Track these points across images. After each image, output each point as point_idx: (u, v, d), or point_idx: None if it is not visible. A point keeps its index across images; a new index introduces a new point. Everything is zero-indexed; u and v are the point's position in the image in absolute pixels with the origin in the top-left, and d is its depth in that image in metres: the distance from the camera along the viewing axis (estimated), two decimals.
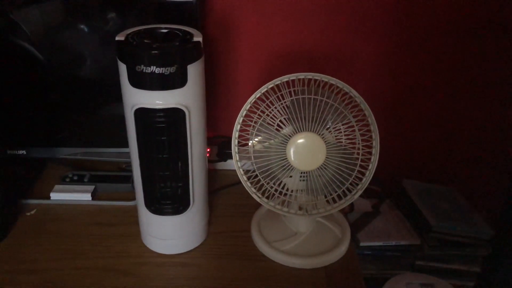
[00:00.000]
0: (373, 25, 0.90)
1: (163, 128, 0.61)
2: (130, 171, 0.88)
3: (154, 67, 0.55)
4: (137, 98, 0.58)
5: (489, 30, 0.90)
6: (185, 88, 0.59)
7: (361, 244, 0.84)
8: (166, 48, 0.56)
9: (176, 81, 0.58)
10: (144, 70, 0.55)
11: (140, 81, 0.57)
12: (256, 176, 0.69)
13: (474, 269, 0.88)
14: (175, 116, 0.60)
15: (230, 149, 0.93)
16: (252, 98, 0.66)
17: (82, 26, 0.80)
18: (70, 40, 0.80)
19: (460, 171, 1.05)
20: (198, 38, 0.59)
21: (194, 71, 0.59)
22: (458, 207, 0.91)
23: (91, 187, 0.84)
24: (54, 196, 0.83)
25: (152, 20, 0.79)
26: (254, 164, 0.67)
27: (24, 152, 0.85)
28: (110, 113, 0.89)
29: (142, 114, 0.59)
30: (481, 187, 1.04)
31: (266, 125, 0.67)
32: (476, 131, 1.01)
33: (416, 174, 1.04)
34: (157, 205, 0.68)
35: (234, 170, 0.93)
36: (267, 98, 0.67)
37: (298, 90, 0.65)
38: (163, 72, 0.56)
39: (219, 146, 0.94)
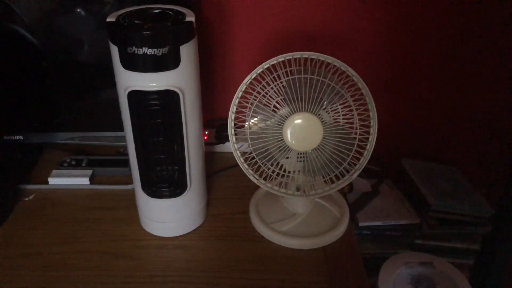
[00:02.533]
0: (371, 4, 0.88)
1: (157, 111, 0.60)
2: (127, 155, 0.88)
3: (146, 48, 0.54)
4: (130, 81, 0.58)
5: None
6: (178, 69, 0.58)
7: (360, 224, 0.84)
8: (157, 29, 0.55)
9: (169, 62, 0.57)
10: (135, 52, 0.54)
11: (132, 63, 0.56)
12: (254, 158, 0.68)
13: (474, 247, 0.88)
14: (169, 98, 0.59)
15: (227, 131, 0.93)
16: (247, 79, 0.65)
17: (78, 10, 0.78)
18: (65, 24, 0.79)
19: (460, 149, 1.04)
20: (190, 18, 0.58)
21: (187, 51, 0.58)
22: (458, 186, 0.91)
23: (89, 172, 0.84)
24: (52, 181, 0.83)
25: (148, 1, 0.78)
26: (250, 146, 0.67)
27: (21, 137, 0.85)
28: (107, 97, 0.88)
29: (136, 96, 0.58)
30: (481, 165, 1.04)
31: (263, 106, 0.66)
32: (475, 109, 1.00)
33: (415, 153, 1.03)
34: (154, 188, 0.68)
35: (231, 153, 0.93)
36: (263, 79, 0.66)
37: (294, 70, 0.64)
38: (155, 53, 0.55)
39: (217, 128, 0.93)
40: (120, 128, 0.89)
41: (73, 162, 0.87)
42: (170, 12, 0.59)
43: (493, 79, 0.96)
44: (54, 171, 0.84)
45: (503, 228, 0.88)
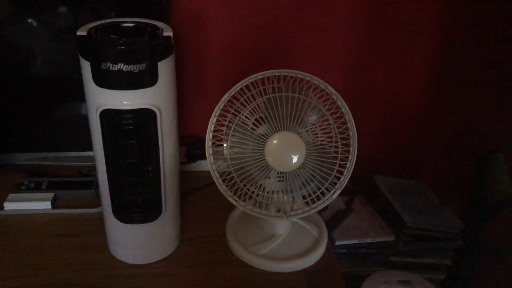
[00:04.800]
0: (341, 22, 0.88)
1: (132, 131, 0.56)
2: (92, 176, 0.83)
3: (122, 64, 0.50)
4: (103, 99, 0.53)
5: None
6: (155, 86, 0.54)
7: (337, 243, 0.83)
8: (134, 44, 0.52)
9: (146, 79, 0.53)
10: (110, 68, 0.51)
11: (106, 80, 0.52)
12: (231, 178, 0.66)
13: (445, 262, 0.89)
14: (145, 117, 0.55)
15: (200, 149, 0.90)
16: (226, 97, 0.63)
17: (29, 20, 0.73)
18: (19, 36, 0.74)
19: (427, 165, 1.06)
20: (168, 32, 0.55)
21: (165, 68, 0.55)
22: (428, 202, 0.92)
23: (50, 195, 0.78)
24: (9, 206, 0.76)
25: (111, 15, 0.74)
26: (231, 166, 0.64)
27: None
28: (68, 114, 0.83)
29: (109, 116, 0.54)
30: (447, 181, 1.07)
31: (241, 123, 0.64)
32: (441, 124, 1.02)
33: (384, 169, 1.05)
34: (126, 214, 0.63)
35: (204, 172, 0.90)
36: (242, 96, 0.64)
37: (275, 87, 0.62)
38: (132, 69, 0.51)
39: (187, 147, 0.90)
40: (83, 147, 0.85)
41: (32, 185, 0.80)
42: (146, 27, 0.56)
43: (460, 96, 0.99)
44: (11, 195, 0.77)
45: (471, 241, 0.90)
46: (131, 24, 0.57)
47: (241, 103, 0.64)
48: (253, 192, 0.66)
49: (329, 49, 0.91)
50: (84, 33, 0.53)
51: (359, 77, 0.96)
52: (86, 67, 0.53)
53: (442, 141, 1.04)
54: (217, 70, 0.91)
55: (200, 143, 0.91)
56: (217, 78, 0.91)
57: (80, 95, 0.78)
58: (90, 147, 0.81)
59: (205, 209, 0.80)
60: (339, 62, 0.93)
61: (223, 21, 0.86)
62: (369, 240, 0.84)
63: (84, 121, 0.79)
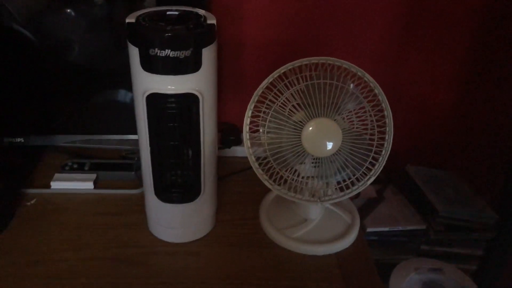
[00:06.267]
0: (377, 13, 0.88)
1: (176, 114, 0.59)
2: (132, 158, 0.87)
3: (169, 50, 0.53)
4: (150, 83, 0.56)
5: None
6: (199, 72, 0.56)
7: (368, 230, 0.84)
8: (181, 31, 0.54)
9: (190, 65, 0.56)
10: (158, 54, 0.53)
11: (153, 66, 0.55)
12: (266, 163, 0.67)
13: (477, 253, 0.89)
14: (189, 101, 0.58)
15: (234, 135, 0.92)
16: (265, 83, 0.65)
17: (76, 10, 0.77)
18: (62, 24, 0.77)
19: (460, 156, 1.05)
20: (212, 20, 0.57)
21: (208, 54, 0.57)
22: (461, 192, 0.92)
23: (93, 176, 0.82)
24: (55, 185, 0.80)
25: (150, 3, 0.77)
26: (267, 151, 0.66)
27: (22, 139, 0.82)
28: (109, 99, 0.86)
29: (155, 99, 0.57)
30: (481, 172, 1.05)
31: (279, 109, 0.65)
32: (475, 115, 1.01)
33: (415, 159, 1.04)
34: (167, 194, 0.66)
35: (238, 158, 0.92)
36: (279, 83, 0.65)
37: (313, 74, 0.63)
38: (178, 55, 0.53)
39: (222, 133, 0.92)
40: (123, 131, 0.88)
41: (75, 166, 0.84)
42: (190, 14, 0.58)
43: (498, 90, 0.97)
44: (57, 175, 0.82)
45: (508, 234, 0.89)
46: (176, 12, 0.59)
47: (278, 90, 0.65)
48: (288, 177, 0.68)
49: (363, 39, 0.91)
50: (133, 21, 0.55)
51: (391, 67, 0.95)
52: (134, 53, 0.55)
53: (476, 132, 1.03)
54: (253, 57, 0.92)
55: (234, 129, 0.93)
56: (252, 65, 0.93)
57: (120, 82, 0.83)
58: (130, 131, 0.86)
59: (238, 193, 0.83)
60: (372, 52, 0.93)
61: (260, 9, 0.87)
62: (400, 228, 0.85)
63: (125, 106, 0.84)
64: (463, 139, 1.03)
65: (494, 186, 1.01)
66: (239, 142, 0.91)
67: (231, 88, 0.96)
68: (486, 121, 1.01)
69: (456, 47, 0.93)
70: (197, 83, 0.57)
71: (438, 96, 0.98)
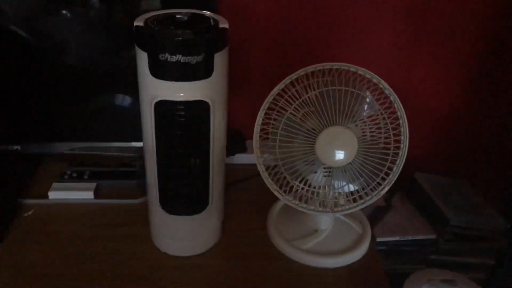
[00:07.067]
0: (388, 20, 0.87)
1: (185, 122, 0.56)
2: (134, 166, 0.83)
3: (180, 55, 0.50)
4: (159, 90, 0.53)
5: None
6: (210, 78, 0.54)
7: (378, 239, 0.82)
8: (193, 35, 0.51)
9: (202, 71, 0.53)
10: (168, 59, 0.50)
11: (163, 71, 0.52)
12: (275, 172, 0.65)
13: (488, 262, 0.87)
14: (199, 109, 0.55)
15: (239, 142, 0.90)
16: (276, 90, 0.62)
17: (66, 12, 0.74)
18: (61, 28, 0.74)
19: (468, 163, 1.04)
20: (224, 24, 0.54)
21: (221, 60, 0.54)
22: (470, 200, 0.90)
23: (93, 185, 0.79)
24: (53, 195, 0.77)
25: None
26: (279, 160, 0.63)
27: (19, 147, 0.79)
28: (109, 105, 0.83)
29: (163, 107, 0.54)
30: (490, 179, 1.04)
31: (291, 117, 0.63)
32: (485, 123, 1.00)
33: (425, 167, 1.02)
34: (173, 205, 0.63)
35: (242, 165, 0.90)
36: (290, 89, 0.63)
37: (327, 80, 0.61)
38: (189, 61, 0.51)
39: (227, 139, 0.89)
40: (124, 138, 0.85)
41: (75, 175, 0.81)
42: (200, 18, 0.55)
43: (510, 96, 0.96)
44: (55, 184, 0.78)
45: None
46: (187, 16, 0.56)
47: (289, 96, 0.63)
48: (298, 186, 0.66)
49: (373, 43, 0.89)
50: (142, 24, 0.53)
51: (400, 74, 0.94)
52: (142, 57, 0.52)
53: (484, 139, 1.01)
54: (262, 63, 0.90)
55: (239, 136, 0.90)
56: (260, 71, 0.90)
57: (123, 87, 0.80)
58: (132, 138, 0.83)
59: (243, 202, 0.80)
60: (381, 58, 0.91)
61: (270, 13, 0.85)
62: (410, 238, 0.83)
63: (126, 112, 0.81)
64: (471, 146, 1.02)
65: (504, 193, 0.99)
66: (244, 149, 0.88)
67: (237, 94, 0.93)
68: (495, 128, 1.00)
69: (466, 53, 0.91)
70: (208, 90, 0.54)
71: (446, 104, 0.96)
